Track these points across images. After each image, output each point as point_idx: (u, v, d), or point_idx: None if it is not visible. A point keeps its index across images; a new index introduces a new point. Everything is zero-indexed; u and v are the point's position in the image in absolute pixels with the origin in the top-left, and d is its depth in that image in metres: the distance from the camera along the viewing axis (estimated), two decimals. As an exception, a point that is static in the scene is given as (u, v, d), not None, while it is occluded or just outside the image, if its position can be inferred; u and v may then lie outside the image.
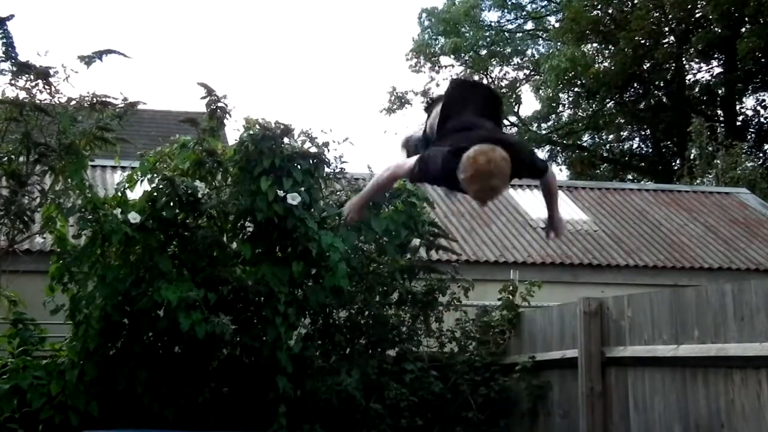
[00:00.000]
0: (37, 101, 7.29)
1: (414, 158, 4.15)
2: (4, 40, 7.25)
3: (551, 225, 4.48)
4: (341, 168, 8.18)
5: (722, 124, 26.72)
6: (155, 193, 7.48)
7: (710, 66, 29.34)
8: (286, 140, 7.70)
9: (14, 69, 7.27)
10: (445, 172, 3.92)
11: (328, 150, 7.94)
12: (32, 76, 7.26)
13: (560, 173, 32.11)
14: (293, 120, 15.02)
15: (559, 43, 29.13)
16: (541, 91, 30.72)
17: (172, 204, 7.46)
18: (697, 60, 29.04)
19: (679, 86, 28.62)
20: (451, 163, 3.87)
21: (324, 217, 7.83)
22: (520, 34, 33.02)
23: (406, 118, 40.12)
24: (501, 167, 3.82)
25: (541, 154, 31.96)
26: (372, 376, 7.87)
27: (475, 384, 8.19)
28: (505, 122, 31.54)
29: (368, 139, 46.61)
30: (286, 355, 7.31)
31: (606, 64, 28.73)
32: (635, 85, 29.15)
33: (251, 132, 7.66)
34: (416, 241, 8.26)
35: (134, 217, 7.27)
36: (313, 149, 7.85)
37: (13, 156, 7.31)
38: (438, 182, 4.21)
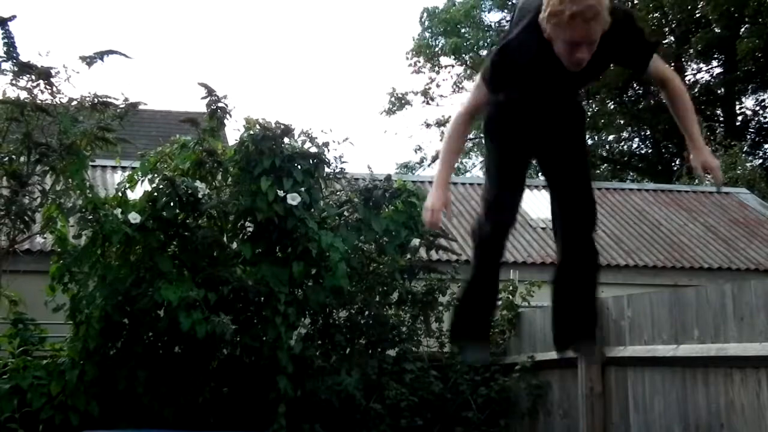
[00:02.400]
0: (39, 101, 7.30)
1: (485, 67, 3.37)
2: (6, 41, 7.25)
3: (701, 167, 3.48)
4: (341, 168, 8.18)
5: (722, 124, 26.73)
6: (155, 193, 7.49)
7: (710, 66, 29.36)
8: (286, 140, 7.71)
9: (15, 69, 7.28)
10: (530, 39, 3.18)
11: (328, 150, 7.96)
12: (33, 77, 7.27)
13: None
14: (293, 120, 15.04)
15: (559, 44, 29.12)
16: (541, 92, 30.70)
17: (172, 204, 7.47)
18: (697, 60, 29.05)
19: (679, 86, 28.61)
20: (536, 30, 3.16)
21: (324, 217, 7.84)
22: (521, 35, 32.99)
23: (406, 119, 39.95)
24: None
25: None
26: (372, 376, 7.88)
27: (475, 384, 8.19)
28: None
29: (368, 140, 46.57)
30: (287, 355, 7.32)
31: (606, 64, 28.72)
32: (635, 85, 29.16)
33: (251, 132, 7.67)
34: (416, 241, 8.27)
35: (134, 217, 7.28)
36: (314, 149, 7.85)
37: (14, 156, 7.32)
38: (530, 68, 3.27)
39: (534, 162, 3.93)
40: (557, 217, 3.88)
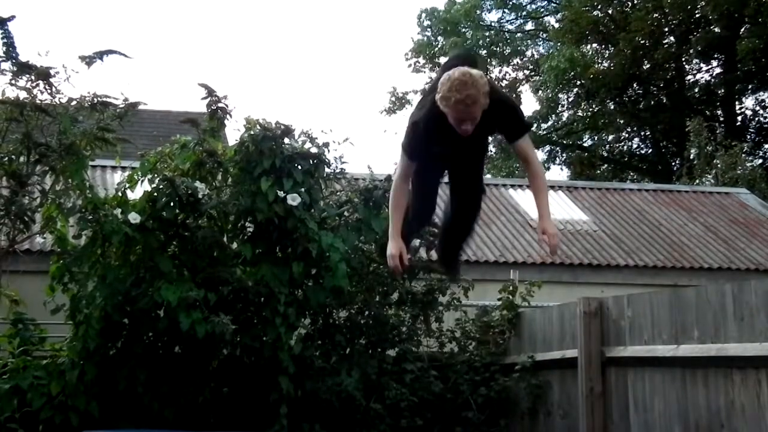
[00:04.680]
0: (38, 101, 7.30)
1: (403, 140, 4.36)
2: (5, 41, 7.26)
3: (541, 231, 4.22)
4: (341, 168, 8.18)
5: (722, 124, 26.72)
6: (155, 194, 7.49)
7: (710, 66, 29.36)
8: (286, 141, 7.71)
9: (15, 69, 7.28)
10: (431, 116, 4.15)
11: (329, 150, 7.97)
12: (33, 77, 7.27)
13: (560, 173, 32.16)
14: (293, 120, 15.02)
15: (558, 44, 29.14)
16: (540, 92, 30.72)
17: (172, 204, 7.46)
18: (697, 60, 29.05)
19: (679, 86, 28.62)
20: (435, 107, 4.10)
21: (324, 218, 7.84)
22: (520, 35, 33.03)
23: (406, 119, 39.90)
24: (476, 78, 4.04)
25: (541, 154, 31.95)
26: (372, 376, 7.87)
27: (475, 384, 8.18)
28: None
29: (368, 140, 46.61)
30: (288, 356, 7.31)
31: (606, 64, 28.73)
32: (635, 85, 29.14)
33: (252, 132, 7.67)
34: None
35: (134, 218, 7.28)
36: (314, 150, 7.85)
37: (13, 156, 7.32)
38: (430, 136, 4.24)
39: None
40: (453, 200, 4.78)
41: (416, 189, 4.49)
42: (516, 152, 4.45)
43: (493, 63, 32.59)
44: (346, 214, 8.20)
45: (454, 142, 4.21)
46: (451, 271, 5.59)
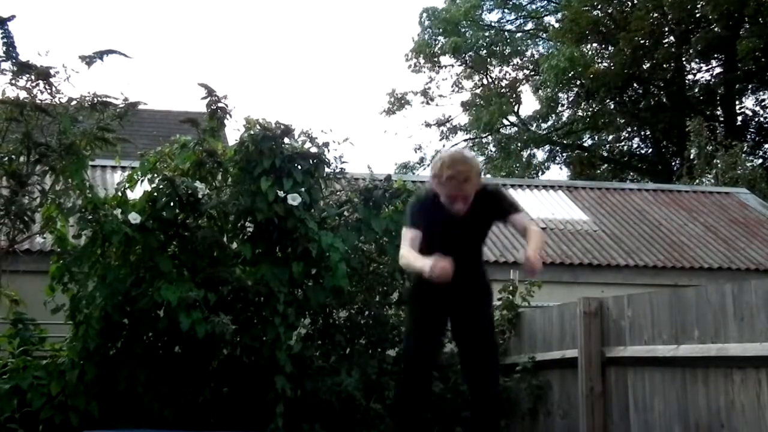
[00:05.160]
0: (38, 101, 7.29)
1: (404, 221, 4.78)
2: (5, 40, 7.25)
3: (525, 262, 4.45)
4: (341, 168, 8.18)
5: (722, 124, 26.73)
6: (155, 194, 7.48)
7: (710, 66, 29.37)
8: (286, 140, 7.71)
9: (15, 69, 7.27)
10: (429, 199, 4.56)
11: (328, 150, 7.95)
12: (33, 76, 7.26)
13: (560, 173, 32.18)
14: (293, 120, 15.03)
15: (558, 44, 29.14)
16: (540, 91, 30.72)
17: (172, 204, 7.46)
18: (697, 60, 29.06)
19: (679, 86, 28.62)
20: (430, 194, 4.54)
21: (324, 218, 7.84)
22: (520, 35, 33.04)
23: (406, 119, 39.86)
24: (468, 157, 4.42)
25: (541, 154, 31.97)
26: (372, 376, 7.87)
27: (475, 384, 8.16)
28: (505, 122, 31.61)
29: (368, 140, 46.65)
30: (285, 355, 7.31)
31: (606, 64, 28.74)
32: (635, 85, 29.15)
33: (251, 132, 7.66)
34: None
35: (134, 218, 7.27)
36: (314, 149, 7.85)
37: (13, 156, 7.31)
38: (428, 213, 4.58)
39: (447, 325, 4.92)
40: (465, 376, 4.93)
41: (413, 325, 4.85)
42: (515, 227, 4.80)
43: (493, 63, 32.61)
44: (346, 214, 8.19)
45: (448, 225, 4.51)
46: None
